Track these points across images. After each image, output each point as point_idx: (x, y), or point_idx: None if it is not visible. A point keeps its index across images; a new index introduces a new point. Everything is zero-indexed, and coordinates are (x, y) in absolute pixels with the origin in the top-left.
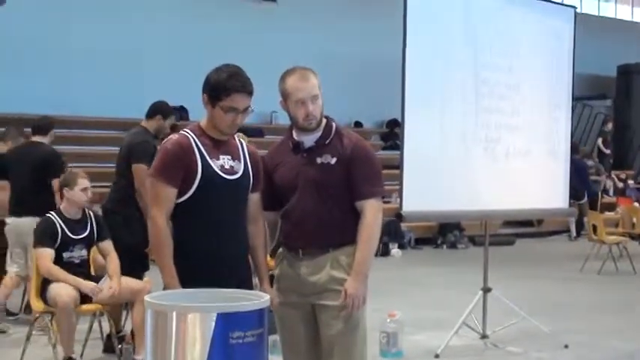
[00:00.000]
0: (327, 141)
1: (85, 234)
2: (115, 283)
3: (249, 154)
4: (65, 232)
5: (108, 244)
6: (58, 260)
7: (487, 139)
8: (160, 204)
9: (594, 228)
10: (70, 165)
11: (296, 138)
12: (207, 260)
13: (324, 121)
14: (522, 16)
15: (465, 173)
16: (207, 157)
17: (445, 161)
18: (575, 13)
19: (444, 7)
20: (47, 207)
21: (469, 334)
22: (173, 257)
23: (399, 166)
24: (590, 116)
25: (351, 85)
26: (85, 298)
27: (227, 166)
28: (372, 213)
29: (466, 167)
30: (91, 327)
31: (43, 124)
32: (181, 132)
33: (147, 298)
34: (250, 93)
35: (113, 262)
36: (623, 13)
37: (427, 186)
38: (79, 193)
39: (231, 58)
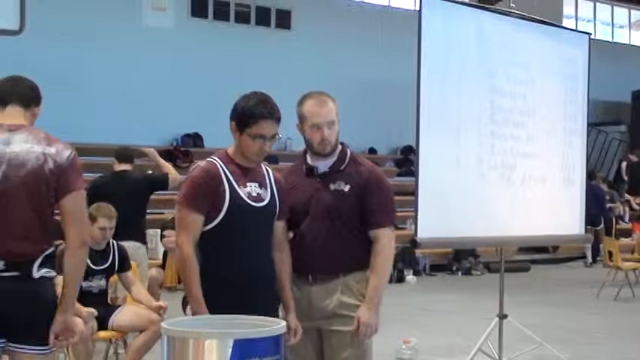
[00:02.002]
0: (342, 167)
1: (106, 265)
2: (160, 308)
3: (275, 181)
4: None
5: (130, 276)
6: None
7: (502, 165)
8: (186, 231)
9: (610, 254)
10: None
11: (310, 162)
12: (234, 288)
13: (339, 146)
14: (537, 43)
15: (480, 200)
16: (235, 185)
17: (460, 188)
18: (590, 39)
19: (458, 34)
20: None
21: None
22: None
23: (413, 192)
24: (605, 142)
25: (365, 111)
26: (101, 325)
27: (254, 194)
28: (387, 241)
29: (481, 194)
30: (107, 354)
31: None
32: (209, 159)
33: (163, 324)
34: (278, 120)
35: (142, 292)
36: (637, 38)
37: (442, 212)
38: (96, 230)
39: (245, 84)
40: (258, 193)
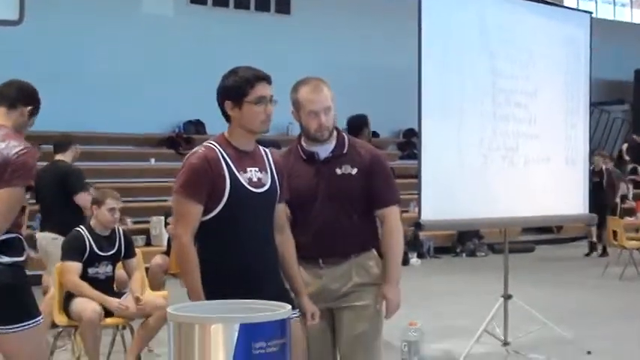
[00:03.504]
0: (344, 151)
1: (113, 251)
2: (130, 302)
3: (274, 163)
4: (93, 248)
5: (134, 262)
6: (83, 275)
7: (505, 147)
8: (185, 222)
9: (614, 233)
10: (87, 181)
11: (307, 148)
12: (238, 279)
13: (335, 131)
14: (538, 23)
15: (483, 181)
16: (235, 171)
17: (463, 170)
18: (591, 18)
19: (459, 16)
20: (70, 224)
21: (491, 341)
22: (201, 277)
23: (416, 175)
24: (608, 121)
25: (366, 95)
26: (107, 312)
27: (255, 179)
28: (396, 219)
29: (484, 175)
30: (113, 340)
31: (62, 142)
32: (206, 144)
33: (169, 309)
34: (270, 81)
35: (138, 280)
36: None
37: (445, 194)
38: (106, 213)
39: None
40: (258, 178)
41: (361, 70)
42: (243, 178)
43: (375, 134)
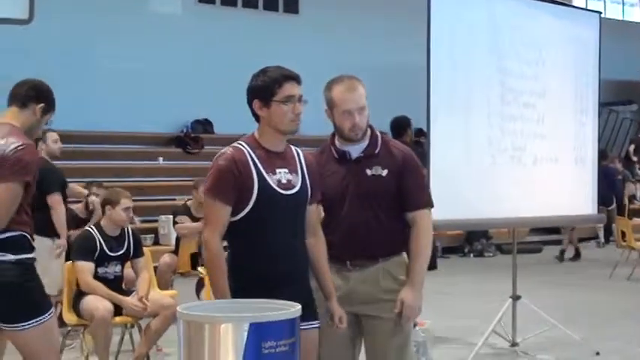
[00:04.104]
0: (376, 151)
1: (122, 251)
2: (144, 301)
3: (306, 164)
4: (103, 248)
5: (142, 262)
6: (93, 275)
7: (513, 147)
8: (212, 224)
9: (623, 234)
10: (95, 180)
11: (340, 147)
12: (264, 283)
13: (368, 130)
14: (547, 23)
15: (491, 181)
16: (264, 173)
17: (471, 169)
18: (600, 18)
19: (468, 15)
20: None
21: (499, 342)
22: (228, 280)
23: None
24: (617, 122)
25: (374, 94)
26: (116, 311)
27: (284, 181)
28: (426, 223)
29: (493, 175)
30: (122, 338)
31: None
32: (235, 145)
33: (179, 309)
34: (299, 81)
35: (146, 279)
36: None
37: (454, 195)
38: (121, 213)
39: (253, 69)
40: (288, 180)
41: (370, 69)
42: (271, 180)
43: (383, 134)
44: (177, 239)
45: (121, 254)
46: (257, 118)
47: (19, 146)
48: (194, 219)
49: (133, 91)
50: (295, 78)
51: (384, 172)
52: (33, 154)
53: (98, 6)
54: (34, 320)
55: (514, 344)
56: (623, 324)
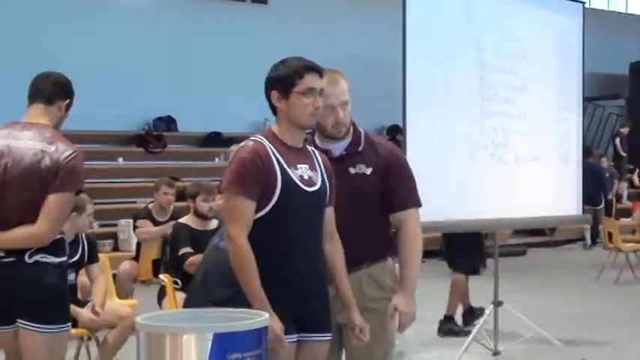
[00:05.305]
0: (359, 149)
1: (76, 258)
2: (97, 310)
3: (323, 163)
4: None
5: (97, 268)
6: None
7: (493, 144)
8: (238, 221)
9: (610, 235)
10: None
11: (321, 146)
12: (288, 284)
13: (351, 127)
14: (528, 14)
15: (471, 181)
16: (286, 167)
17: (450, 169)
18: (584, 8)
19: (446, 7)
20: None
21: (480, 350)
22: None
23: None
24: (603, 117)
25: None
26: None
27: (306, 177)
28: (414, 223)
29: (472, 174)
30: (78, 352)
31: None
32: (253, 139)
33: (138, 319)
34: (322, 74)
35: (101, 287)
36: (635, 7)
37: (431, 195)
38: (86, 220)
39: (219, 62)
40: (309, 176)
41: (341, 62)
42: (294, 175)
43: None
44: (138, 245)
45: (74, 261)
46: (274, 110)
47: (71, 154)
48: (156, 223)
49: (89, 86)
50: (318, 70)
51: (369, 171)
52: (82, 161)
53: None
54: (57, 326)
55: (496, 353)
56: (610, 329)
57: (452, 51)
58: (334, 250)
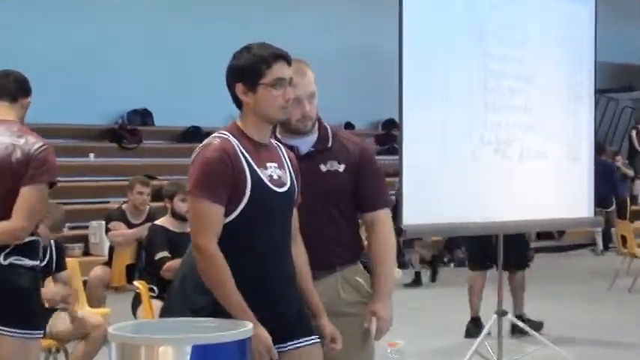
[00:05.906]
0: (329, 145)
1: (43, 264)
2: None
3: (290, 160)
4: None
5: (65, 275)
6: None
7: (497, 140)
8: (206, 229)
9: (623, 239)
10: None
11: (284, 142)
12: (261, 293)
13: (316, 121)
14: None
15: (473, 180)
16: (255, 167)
17: (450, 166)
18: None
19: None
20: None
21: None
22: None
23: (397, 173)
24: (616, 111)
25: (341, 81)
26: None
27: (275, 177)
28: (387, 224)
29: (474, 173)
30: None
31: None
32: (219, 134)
33: (111, 329)
34: (290, 62)
35: (71, 295)
36: None
37: (430, 195)
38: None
39: (200, 54)
40: (279, 176)
41: (335, 54)
42: (264, 175)
43: (349, 125)
44: (111, 249)
45: (41, 267)
46: (238, 104)
47: (42, 146)
48: (130, 225)
49: (59, 77)
50: (286, 57)
51: (341, 168)
52: (54, 154)
53: None
54: (27, 331)
55: None
56: (623, 342)
57: (451, 39)
58: (299, 253)
